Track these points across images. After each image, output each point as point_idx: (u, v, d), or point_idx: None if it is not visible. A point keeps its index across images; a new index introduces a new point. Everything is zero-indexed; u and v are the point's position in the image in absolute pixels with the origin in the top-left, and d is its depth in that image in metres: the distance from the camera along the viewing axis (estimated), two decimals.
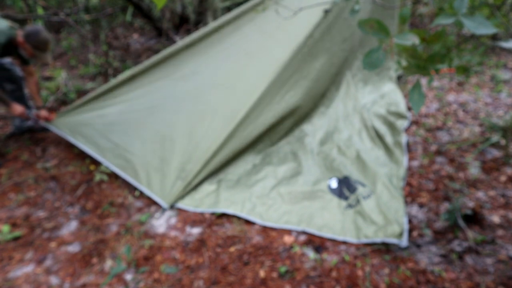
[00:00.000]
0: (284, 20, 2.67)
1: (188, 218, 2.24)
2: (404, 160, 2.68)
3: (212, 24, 3.05)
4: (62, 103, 3.74)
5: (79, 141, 2.76)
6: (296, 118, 2.88)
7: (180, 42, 3.05)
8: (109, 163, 2.57)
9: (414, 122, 3.30)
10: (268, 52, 2.81)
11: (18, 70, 2.89)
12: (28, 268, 1.91)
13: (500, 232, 2.08)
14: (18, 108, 2.75)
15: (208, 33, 3.01)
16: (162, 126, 2.65)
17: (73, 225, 2.21)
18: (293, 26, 2.79)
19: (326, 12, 2.82)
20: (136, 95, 2.90)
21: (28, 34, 2.55)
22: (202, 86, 2.78)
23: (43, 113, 2.89)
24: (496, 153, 2.78)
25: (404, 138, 2.90)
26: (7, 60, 2.84)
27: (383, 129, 3.01)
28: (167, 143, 2.54)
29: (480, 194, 2.39)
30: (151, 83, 2.93)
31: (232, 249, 2.03)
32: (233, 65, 2.84)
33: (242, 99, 2.59)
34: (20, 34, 2.58)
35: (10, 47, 2.62)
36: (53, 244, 2.06)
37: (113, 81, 3.01)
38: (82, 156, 2.82)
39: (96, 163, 2.72)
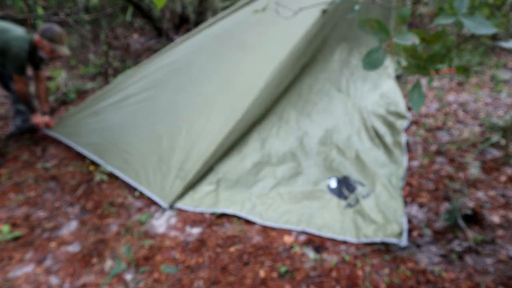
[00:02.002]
0: (283, 19, 2.66)
1: (188, 218, 2.24)
2: (403, 160, 2.68)
3: (209, 20, 3.05)
4: (62, 103, 3.74)
5: (76, 143, 2.80)
6: (290, 117, 2.87)
7: (178, 39, 3.06)
8: (108, 165, 2.59)
9: (414, 122, 3.30)
10: (264, 47, 2.78)
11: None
12: (28, 268, 1.91)
13: (500, 232, 2.08)
14: (37, 119, 2.92)
15: (203, 27, 3.01)
16: (158, 122, 2.64)
17: (73, 225, 2.21)
18: (290, 23, 2.78)
19: (324, 12, 2.81)
20: (130, 89, 2.92)
21: (43, 31, 2.69)
22: (196, 79, 2.75)
23: (46, 119, 2.99)
24: (496, 153, 2.78)
25: (403, 138, 2.90)
26: None
27: (382, 129, 3.01)
28: (164, 141, 2.53)
29: (480, 194, 2.39)
30: (144, 77, 2.93)
31: (232, 249, 2.03)
32: (227, 56, 2.81)
33: (241, 96, 2.57)
34: (36, 37, 2.72)
35: (31, 52, 2.74)
36: (53, 244, 2.06)
37: (110, 83, 3.05)
38: (82, 156, 2.82)
39: (96, 163, 2.72)
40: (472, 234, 2.06)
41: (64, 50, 2.77)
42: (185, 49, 2.94)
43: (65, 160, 2.81)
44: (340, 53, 3.27)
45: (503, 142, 2.85)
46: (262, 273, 1.87)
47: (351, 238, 2.07)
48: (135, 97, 2.85)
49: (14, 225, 2.18)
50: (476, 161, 2.72)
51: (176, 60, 2.90)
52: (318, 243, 2.06)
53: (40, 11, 5.07)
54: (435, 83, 4.13)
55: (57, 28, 2.71)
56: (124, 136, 2.68)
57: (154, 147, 2.53)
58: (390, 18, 3.77)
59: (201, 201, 2.33)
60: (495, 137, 2.89)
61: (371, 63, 1.16)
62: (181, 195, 2.35)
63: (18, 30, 2.66)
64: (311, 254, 1.99)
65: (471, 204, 2.29)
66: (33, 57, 2.83)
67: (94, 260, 1.96)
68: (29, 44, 2.66)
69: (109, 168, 2.58)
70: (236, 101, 2.57)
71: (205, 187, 2.41)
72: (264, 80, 2.59)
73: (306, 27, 2.75)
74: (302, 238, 2.10)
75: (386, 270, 1.88)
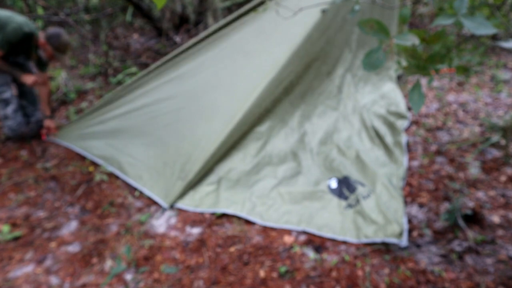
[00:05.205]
0: (283, 20, 2.66)
1: (188, 218, 2.24)
2: (404, 160, 2.68)
3: (212, 27, 3.07)
4: (62, 103, 3.74)
5: (82, 149, 2.83)
6: (291, 117, 2.87)
7: (182, 46, 3.07)
8: (112, 167, 2.61)
9: (414, 122, 3.30)
10: (266, 52, 2.80)
11: (31, 66, 2.94)
12: (28, 268, 1.91)
13: (500, 232, 2.08)
14: (29, 78, 2.77)
15: (207, 35, 3.02)
16: (164, 130, 2.66)
17: (73, 225, 2.21)
18: (291, 26, 2.77)
19: (324, 12, 2.81)
20: (136, 98, 2.92)
21: (50, 36, 2.64)
22: (202, 87, 2.78)
23: (49, 123, 2.98)
24: (496, 153, 2.78)
25: (404, 138, 2.90)
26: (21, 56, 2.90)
27: (383, 129, 3.01)
28: (171, 148, 2.55)
29: (480, 194, 2.39)
30: (150, 85, 2.94)
31: (232, 249, 2.03)
32: (232, 65, 2.84)
33: (241, 99, 2.58)
34: (42, 35, 2.67)
35: (29, 45, 2.68)
36: (53, 244, 2.06)
37: (115, 92, 3.06)
38: (82, 156, 2.82)
39: (96, 164, 2.72)
40: (472, 234, 2.06)
41: (65, 61, 2.75)
42: (191, 64, 2.96)
43: (65, 160, 2.81)
44: (343, 54, 3.27)
45: (503, 142, 2.85)
46: (262, 273, 1.87)
47: (351, 238, 2.07)
48: (144, 109, 2.85)
49: (14, 225, 2.18)
50: (476, 161, 2.72)
51: (182, 74, 2.92)
52: (318, 243, 2.06)
53: (40, 11, 5.07)
54: (435, 83, 4.13)
55: (64, 38, 2.67)
56: (130, 143, 2.71)
57: (160, 154, 2.56)
58: (393, 18, 3.76)
59: (202, 201, 2.33)
60: (495, 137, 2.89)
61: (371, 63, 1.16)
62: (181, 195, 2.35)
63: (19, 19, 2.60)
64: (311, 254, 1.99)
65: (471, 204, 2.29)
66: (29, 48, 2.75)
67: (94, 260, 1.96)
68: (25, 37, 2.60)
69: (110, 169, 2.59)
70: (237, 103, 2.58)
71: (206, 187, 2.41)
72: (265, 81, 2.60)
73: (306, 28, 2.75)
74: (302, 238, 2.10)
75: (386, 270, 1.88)
